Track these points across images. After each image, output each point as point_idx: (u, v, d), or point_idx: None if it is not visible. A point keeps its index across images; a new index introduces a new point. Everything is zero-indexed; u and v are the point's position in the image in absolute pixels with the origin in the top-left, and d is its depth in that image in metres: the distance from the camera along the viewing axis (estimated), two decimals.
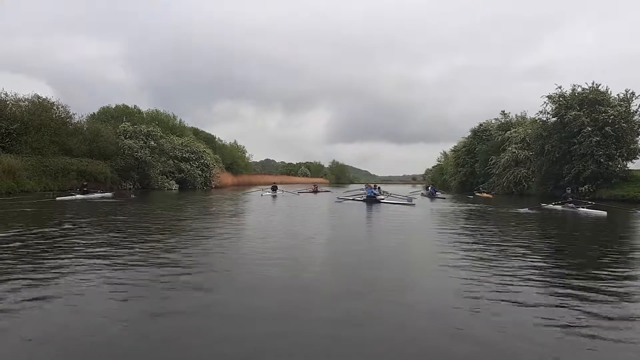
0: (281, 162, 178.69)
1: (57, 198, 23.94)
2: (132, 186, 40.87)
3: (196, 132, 69.77)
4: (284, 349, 3.89)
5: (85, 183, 30.05)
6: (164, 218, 15.74)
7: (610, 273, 7.08)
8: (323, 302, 5.34)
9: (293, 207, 22.97)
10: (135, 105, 58.72)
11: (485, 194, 39.39)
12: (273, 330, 4.27)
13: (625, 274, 7.24)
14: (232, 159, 75.59)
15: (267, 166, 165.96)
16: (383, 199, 28.11)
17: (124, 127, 44.82)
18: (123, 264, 7.15)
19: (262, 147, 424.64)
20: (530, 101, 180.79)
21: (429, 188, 39.35)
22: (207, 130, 76.47)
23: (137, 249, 8.60)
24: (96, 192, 29.45)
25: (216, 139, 74.94)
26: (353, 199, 27.89)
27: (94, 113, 53.54)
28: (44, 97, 38.64)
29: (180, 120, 63.96)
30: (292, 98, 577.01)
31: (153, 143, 43.71)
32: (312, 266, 7.67)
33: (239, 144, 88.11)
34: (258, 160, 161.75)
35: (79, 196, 26.06)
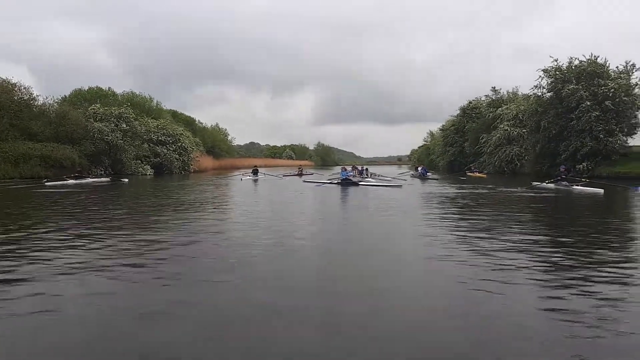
0: (266, 145, 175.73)
1: (48, 183, 24.08)
2: (103, 172, 38.16)
3: (175, 115, 66.95)
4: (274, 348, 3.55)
5: (79, 169, 30.91)
6: (121, 209, 13.47)
7: (607, 255, 6.84)
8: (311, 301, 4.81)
9: (274, 193, 20.79)
10: (109, 88, 55.67)
11: (477, 174, 37.54)
12: (259, 329, 3.90)
13: (622, 255, 6.97)
14: (214, 142, 72.89)
15: (252, 149, 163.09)
16: (361, 182, 26.07)
17: (93, 109, 41.94)
18: (95, 258, 6.60)
19: (247, 130, 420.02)
20: (519, 80, 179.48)
21: (419, 169, 37.37)
22: (191, 115, 73.76)
23: (101, 243, 7.81)
24: (89, 177, 30.11)
25: (196, 122, 72.05)
26: (329, 182, 25.81)
27: (65, 96, 50.53)
28: (3, 78, 35.70)
29: (158, 102, 60.98)
30: (279, 81, 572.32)
31: (125, 126, 40.94)
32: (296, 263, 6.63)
33: (220, 127, 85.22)
34: (242, 144, 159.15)
35: (71, 181, 26.42)
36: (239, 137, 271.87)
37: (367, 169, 34.91)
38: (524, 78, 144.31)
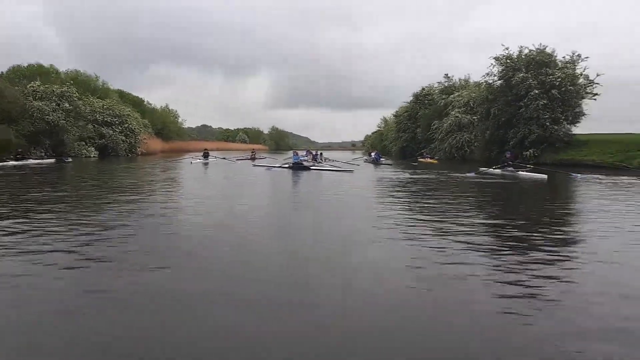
0: (219, 128, 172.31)
1: None
2: (43, 153, 36.04)
3: (122, 95, 64.01)
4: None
5: (19, 150, 29.84)
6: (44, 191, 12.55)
7: (549, 236, 7.25)
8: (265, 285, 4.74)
9: (223, 178, 20.15)
10: (51, 65, 52.48)
11: (429, 160, 37.98)
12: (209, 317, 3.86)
13: (562, 235, 7.51)
14: (163, 124, 70.36)
15: (204, 132, 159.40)
16: (313, 166, 25.80)
17: (33, 87, 39.40)
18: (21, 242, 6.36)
19: (200, 112, 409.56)
20: (471, 68, 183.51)
21: (372, 154, 37.38)
22: (142, 95, 70.77)
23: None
24: (30, 158, 29.90)
25: (144, 102, 69.37)
26: (280, 167, 25.41)
27: (2, 72, 47.21)
28: None
29: (104, 81, 58.12)
30: (233, 62, 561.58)
31: (68, 105, 38.69)
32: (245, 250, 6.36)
33: (170, 108, 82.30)
34: (194, 126, 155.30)
35: (11, 163, 26.02)
36: (191, 120, 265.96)
37: (321, 154, 34.61)
38: (476, 66, 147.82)
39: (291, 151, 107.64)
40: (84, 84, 50.66)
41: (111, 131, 45.50)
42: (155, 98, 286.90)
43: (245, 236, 7.06)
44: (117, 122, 46.60)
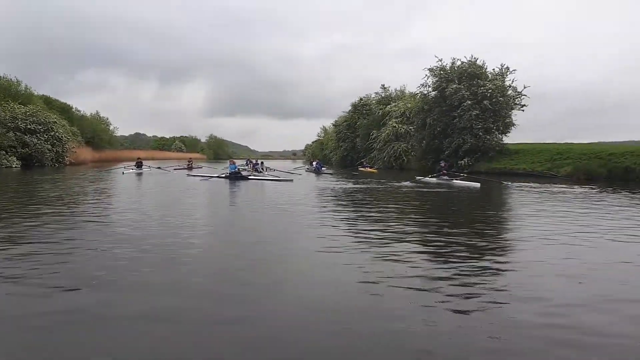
0: (153, 136, 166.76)
1: None
2: None
3: (48, 101, 60.25)
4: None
5: None
6: None
7: (480, 241, 7.69)
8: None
9: (156, 189, 19.18)
10: None
11: (369, 169, 38.33)
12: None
13: (493, 240, 7.93)
14: (94, 132, 66.90)
15: (138, 141, 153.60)
16: (250, 176, 25.28)
17: None
18: None
19: (133, 120, 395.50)
20: (404, 80, 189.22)
21: (314, 163, 37.23)
22: (72, 102, 66.87)
23: None
24: None
25: (73, 109, 65.72)
26: (217, 177, 24.75)
27: None
28: None
29: (27, 86, 54.46)
30: (168, 68, 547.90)
31: None
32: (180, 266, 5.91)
33: (102, 116, 78.44)
34: (127, 135, 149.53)
35: None
36: (124, 128, 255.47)
37: (262, 163, 33.83)
38: (410, 77, 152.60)
39: (229, 159, 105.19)
40: (3, 89, 47.33)
41: (35, 140, 42.55)
42: (85, 105, 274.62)
43: (173, 252, 6.49)
44: (42, 130, 43.69)
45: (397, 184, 21.47)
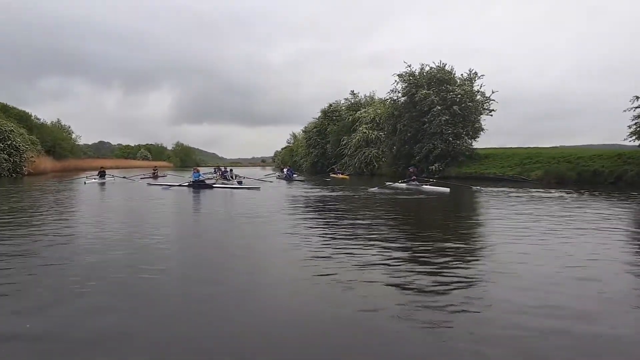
0: (118, 144, 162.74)
1: None
2: None
3: (5, 109, 57.83)
4: None
5: None
6: None
7: (452, 244, 7.81)
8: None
9: (119, 200, 18.20)
10: None
11: (341, 175, 37.94)
12: None
13: (465, 244, 7.98)
14: (54, 140, 64.54)
15: (102, 149, 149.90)
16: (215, 184, 24.49)
17: None
18: None
19: (97, 128, 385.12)
20: (371, 87, 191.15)
21: (285, 170, 36.57)
22: (32, 110, 64.30)
23: None
24: None
25: (32, 117, 63.25)
26: (180, 185, 23.91)
27: None
28: None
29: None
30: (132, 75, 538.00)
31: None
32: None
33: (63, 124, 75.93)
34: (91, 143, 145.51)
35: None
36: (87, 136, 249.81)
37: (231, 170, 32.78)
38: (378, 83, 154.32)
39: (198, 167, 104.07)
40: None
41: None
42: (47, 113, 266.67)
43: (131, 270, 5.80)
44: None
45: (368, 189, 21.11)
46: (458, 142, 33.55)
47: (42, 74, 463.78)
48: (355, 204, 15.59)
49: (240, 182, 26.14)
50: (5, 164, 41.61)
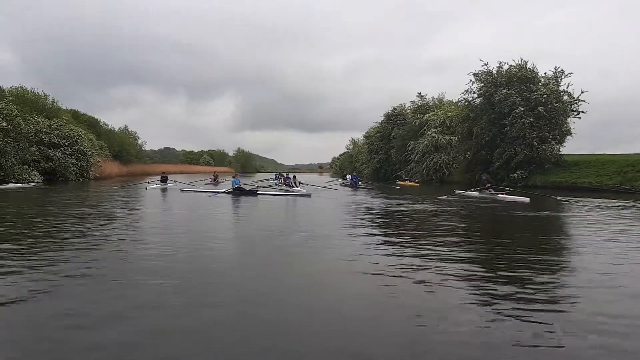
0: (182, 150, 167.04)
1: None
2: None
3: (76, 115, 59.68)
4: None
5: None
6: None
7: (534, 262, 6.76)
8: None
9: (182, 211, 16.77)
10: None
11: (409, 182, 35.35)
12: None
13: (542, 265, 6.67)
14: (121, 145, 66.03)
15: (167, 155, 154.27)
16: (258, 190, 22.67)
17: None
18: None
19: (163, 134, 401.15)
20: (432, 92, 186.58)
21: (348, 177, 34.51)
22: (104, 117, 66.65)
23: None
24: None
25: (101, 123, 64.97)
26: (216, 192, 22.35)
27: None
28: None
29: (54, 100, 53.62)
30: (197, 84, 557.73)
31: (5, 124, 34.43)
32: None
33: (130, 130, 77.72)
34: (157, 149, 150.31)
35: None
36: (153, 142, 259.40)
37: (294, 177, 30.50)
38: (438, 89, 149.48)
39: (259, 173, 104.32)
40: (31, 103, 46.45)
41: (59, 153, 41.22)
42: (116, 120, 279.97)
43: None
44: (66, 143, 42.38)
45: (437, 197, 19.43)
46: (544, 147, 30.14)
47: (113, 84, 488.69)
48: (440, 214, 13.24)
49: (303, 189, 24.32)
50: (72, 168, 42.15)
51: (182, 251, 7.50)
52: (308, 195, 20.87)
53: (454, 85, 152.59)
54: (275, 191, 23.46)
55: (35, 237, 8.75)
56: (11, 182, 31.61)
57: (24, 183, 30.66)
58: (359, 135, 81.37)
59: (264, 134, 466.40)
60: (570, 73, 31.49)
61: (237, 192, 21.04)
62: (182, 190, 25.02)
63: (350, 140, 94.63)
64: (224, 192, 22.07)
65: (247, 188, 22.69)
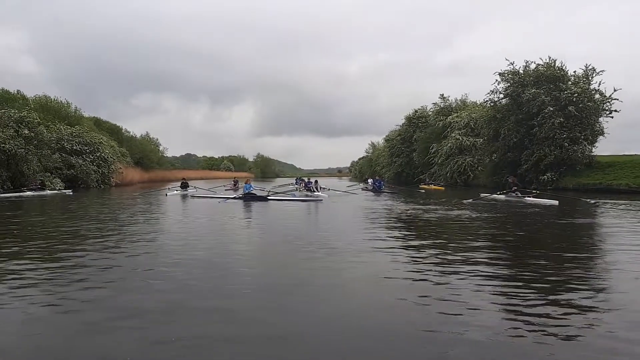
0: (203, 156, 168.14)
1: None
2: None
3: (98, 122, 60.15)
4: None
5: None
6: None
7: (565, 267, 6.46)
8: None
9: (203, 222, 16.19)
10: (18, 90, 48.41)
11: (434, 186, 34.37)
12: None
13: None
14: (143, 152, 66.34)
15: (188, 161, 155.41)
16: (270, 196, 22.06)
17: None
18: None
19: (184, 141, 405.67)
20: (452, 95, 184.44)
21: (370, 181, 33.70)
22: (127, 125, 67.42)
23: None
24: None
25: (122, 130, 65.39)
26: (225, 198, 21.74)
27: None
28: None
29: (77, 108, 54.04)
30: (218, 91, 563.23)
31: (27, 132, 34.52)
32: None
33: (151, 137, 78.15)
34: (178, 155, 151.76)
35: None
36: (175, 148, 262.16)
37: (316, 182, 29.68)
38: (458, 92, 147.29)
39: (278, 178, 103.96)
40: (54, 111, 46.86)
41: (81, 161, 41.32)
42: (139, 127, 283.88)
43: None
44: (88, 150, 42.50)
45: (463, 201, 18.94)
46: (575, 147, 28.93)
47: (135, 92, 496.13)
48: (466, 220, 12.40)
49: (325, 194, 23.66)
50: (94, 175, 42.21)
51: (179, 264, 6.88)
52: (320, 200, 20.30)
53: (476, 88, 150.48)
54: (287, 196, 22.86)
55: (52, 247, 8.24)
56: (32, 188, 31.51)
57: (40, 190, 30.80)
58: (377, 139, 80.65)
59: (283, 139, 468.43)
60: (602, 71, 30.32)
61: (248, 198, 20.53)
62: (192, 197, 24.61)
63: (369, 144, 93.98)
64: (234, 197, 21.57)
65: (258, 193, 22.15)
